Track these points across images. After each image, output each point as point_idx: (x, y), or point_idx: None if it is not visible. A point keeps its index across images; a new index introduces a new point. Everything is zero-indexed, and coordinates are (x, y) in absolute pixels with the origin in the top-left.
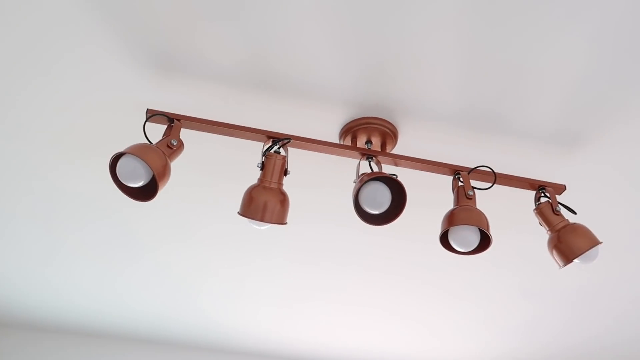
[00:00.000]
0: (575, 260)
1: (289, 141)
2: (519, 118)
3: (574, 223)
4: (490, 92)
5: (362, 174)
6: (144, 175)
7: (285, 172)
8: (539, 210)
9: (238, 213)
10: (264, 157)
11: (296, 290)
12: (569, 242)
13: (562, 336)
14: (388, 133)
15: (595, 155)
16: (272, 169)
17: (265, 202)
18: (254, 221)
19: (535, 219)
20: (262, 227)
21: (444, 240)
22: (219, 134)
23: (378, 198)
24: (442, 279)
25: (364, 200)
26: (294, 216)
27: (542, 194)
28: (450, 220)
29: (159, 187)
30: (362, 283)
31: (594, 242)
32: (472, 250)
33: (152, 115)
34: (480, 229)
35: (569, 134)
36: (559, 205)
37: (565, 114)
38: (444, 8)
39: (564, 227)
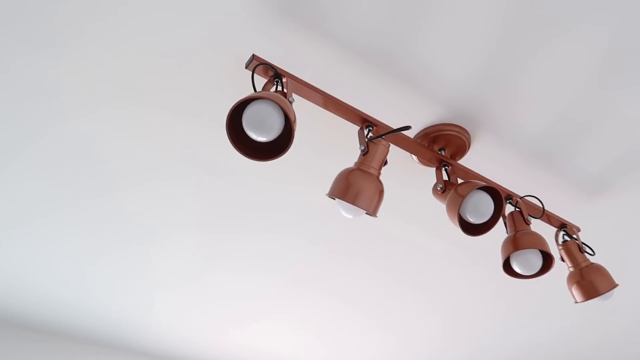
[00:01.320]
0: (594, 299)
1: (410, 128)
2: (570, 162)
3: (596, 263)
4: (564, 137)
5: (445, 182)
6: (278, 126)
7: (385, 162)
8: (566, 247)
9: (328, 195)
10: (368, 142)
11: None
12: (592, 281)
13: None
14: (463, 144)
15: (613, 203)
16: (377, 155)
17: (364, 187)
18: (348, 205)
19: None
20: (348, 215)
21: (506, 265)
22: (316, 103)
23: (482, 208)
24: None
25: (469, 209)
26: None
27: (564, 232)
28: (515, 245)
29: (292, 139)
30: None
31: (613, 285)
32: (536, 273)
33: (260, 64)
34: (541, 251)
35: (600, 185)
36: (584, 245)
37: (607, 168)
38: (574, 59)
39: (587, 266)
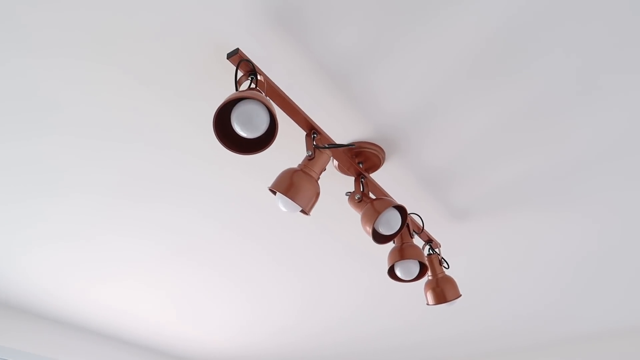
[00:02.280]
0: (442, 305)
1: (354, 146)
2: (448, 193)
3: (448, 275)
4: (450, 174)
5: (362, 195)
6: (265, 123)
7: (324, 169)
8: (429, 259)
9: (270, 188)
10: (316, 149)
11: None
12: (443, 289)
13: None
14: (378, 163)
15: (468, 230)
16: (320, 162)
17: (305, 187)
18: (288, 201)
19: None
20: (285, 209)
21: (390, 270)
22: (275, 102)
23: (392, 223)
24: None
25: (382, 223)
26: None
27: (429, 246)
28: (401, 254)
29: (274, 137)
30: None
31: (458, 295)
32: (413, 279)
33: (243, 60)
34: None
35: (463, 212)
36: (442, 259)
37: (472, 200)
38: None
39: (442, 276)
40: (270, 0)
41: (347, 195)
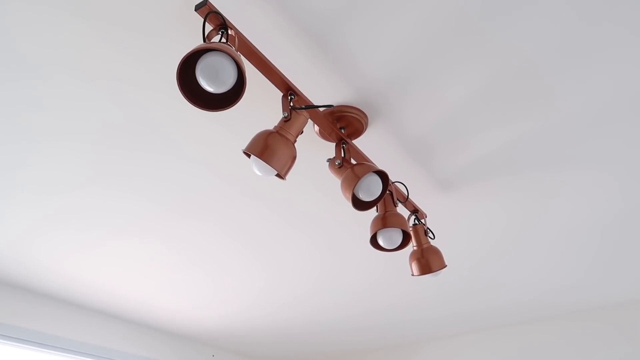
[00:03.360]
0: (428, 275)
1: (332, 107)
2: (434, 161)
3: (434, 246)
4: (440, 139)
5: (343, 159)
6: (232, 77)
7: (301, 132)
8: (415, 229)
9: (244, 150)
10: (292, 110)
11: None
12: (428, 259)
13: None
14: (360, 128)
15: (454, 200)
16: (297, 124)
17: (280, 150)
18: (263, 164)
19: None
20: (260, 173)
21: (372, 239)
22: (249, 60)
23: (373, 189)
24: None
25: (362, 188)
26: None
27: (415, 216)
28: (384, 222)
29: (242, 93)
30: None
31: (443, 265)
32: (396, 248)
33: (212, 12)
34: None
35: (451, 183)
36: (428, 230)
37: (462, 170)
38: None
39: (427, 247)
40: None
41: (327, 161)
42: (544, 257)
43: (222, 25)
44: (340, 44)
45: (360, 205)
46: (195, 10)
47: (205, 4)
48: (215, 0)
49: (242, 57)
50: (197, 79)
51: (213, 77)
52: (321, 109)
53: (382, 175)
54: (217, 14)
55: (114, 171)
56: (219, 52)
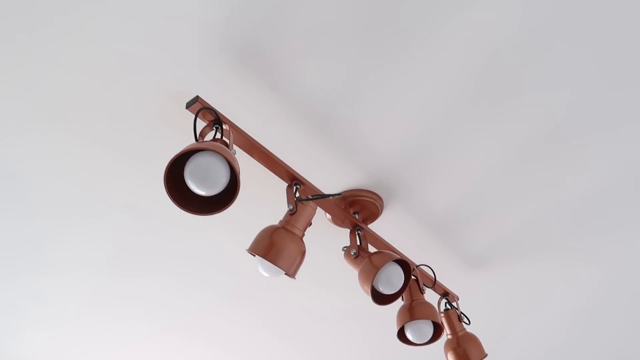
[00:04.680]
0: None
1: (340, 195)
2: (460, 238)
3: (470, 333)
4: (461, 216)
5: (360, 248)
6: (224, 180)
7: (310, 224)
8: (447, 315)
9: (248, 250)
10: (297, 202)
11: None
12: (466, 349)
13: None
14: (376, 211)
15: (488, 277)
16: (303, 216)
17: (287, 247)
18: (268, 264)
19: None
20: (267, 274)
21: (400, 332)
22: (249, 153)
23: (394, 280)
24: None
25: (382, 281)
26: None
27: (446, 300)
28: (411, 314)
29: (236, 194)
30: None
31: (483, 355)
32: (427, 342)
33: (204, 108)
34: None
35: (481, 260)
36: (462, 315)
37: (489, 245)
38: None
39: (463, 335)
40: (226, 39)
41: (343, 250)
42: (616, 330)
43: (216, 120)
44: (346, 124)
45: (381, 299)
46: (187, 107)
47: (197, 100)
48: (208, 94)
49: (242, 152)
50: (187, 182)
51: (202, 179)
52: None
53: (404, 265)
54: (209, 109)
55: (109, 293)
56: (208, 151)
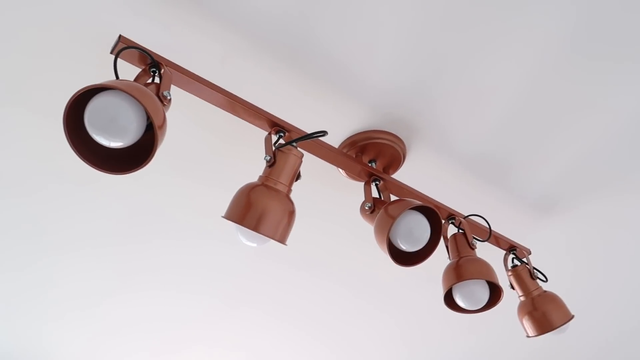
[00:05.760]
0: (549, 333)
1: (326, 133)
2: (517, 178)
3: (549, 292)
4: (509, 148)
5: (375, 200)
6: (136, 127)
7: (298, 176)
8: (516, 272)
9: (224, 217)
10: (276, 150)
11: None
12: (545, 312)
13: None
14: (397, 156)
15: (563, 224)
16: (286, 167)
17: (269, 208)
18: (248, 231)
19: None
20: (249, 242)
21: (448, 297)
22: (209, 101)
23: (416, 233)
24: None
25: (400, 234)
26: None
27: (514, 255)
28: (458, 273)
29: (156, 148)
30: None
31: (568, 317)
32: (482, 307)
33: (127, 48)
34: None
35: (549, 202)
36: (535, 271)
37: (555, 182)
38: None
39: (540, 294)
40: None
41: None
42: None
43: (152, 63)
44: (325, 58)
45: (404, 259)
46: (111, 52)
47: (119, 40)
48: (148, 36)
49: (212, 107)
50: (88, 130)
51: (104, 125)
52: (325, 141)
53: (430, 212)
54: (136, 48)
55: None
56: (114, 90)
